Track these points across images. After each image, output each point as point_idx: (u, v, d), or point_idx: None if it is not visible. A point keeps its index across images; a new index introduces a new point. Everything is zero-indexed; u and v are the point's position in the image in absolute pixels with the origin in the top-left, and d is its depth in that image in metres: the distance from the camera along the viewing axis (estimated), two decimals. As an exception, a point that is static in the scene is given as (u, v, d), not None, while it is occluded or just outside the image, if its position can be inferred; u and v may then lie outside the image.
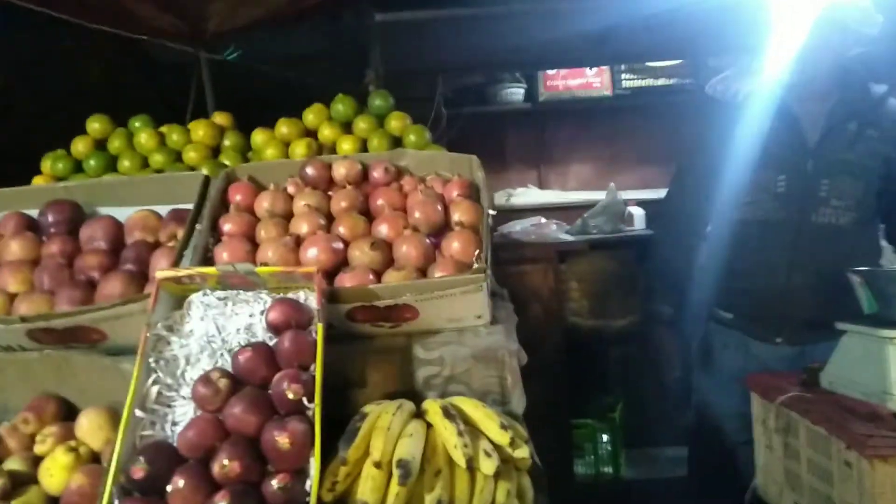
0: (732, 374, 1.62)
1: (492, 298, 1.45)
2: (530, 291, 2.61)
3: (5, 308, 1.29)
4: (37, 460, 1.12)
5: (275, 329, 1.10)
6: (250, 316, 1.13)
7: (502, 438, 1.02)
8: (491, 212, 1.35)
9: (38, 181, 1.67)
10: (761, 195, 1.60)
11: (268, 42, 2.70)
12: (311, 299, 1.14)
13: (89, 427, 1.14)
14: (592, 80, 3.56)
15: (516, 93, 3.59)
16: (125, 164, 1.67)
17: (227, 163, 1.68)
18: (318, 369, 1.03)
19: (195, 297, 1.15)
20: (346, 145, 1.66)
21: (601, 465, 2.66)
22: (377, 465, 0.96)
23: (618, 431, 2.66)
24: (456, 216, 1.35)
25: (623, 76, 3.54)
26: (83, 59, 2.51)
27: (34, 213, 1.47)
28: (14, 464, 1.12)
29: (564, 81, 3.58)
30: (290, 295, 1.16)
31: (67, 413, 1.21)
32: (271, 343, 1.09)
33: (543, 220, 2.86)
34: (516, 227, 2.79)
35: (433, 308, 1.24)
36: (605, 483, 2.62)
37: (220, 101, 2.40)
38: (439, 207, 1.37)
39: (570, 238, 2.78)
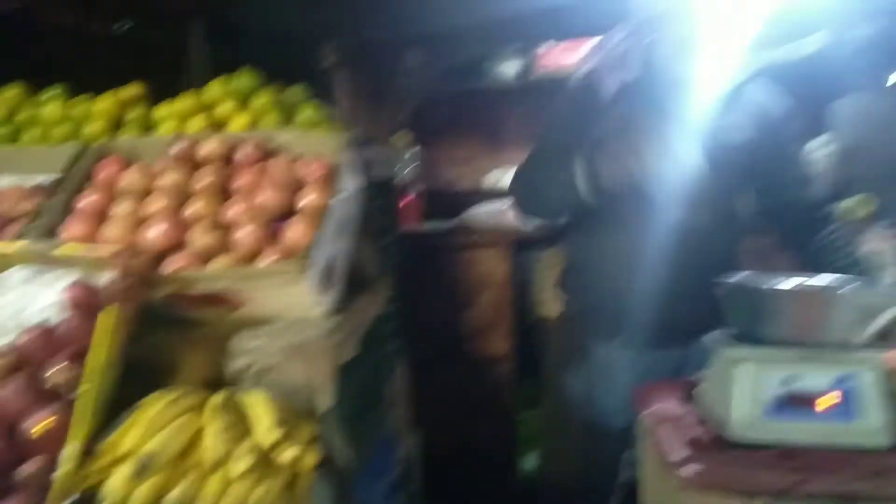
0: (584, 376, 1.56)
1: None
2: (480, 279, 2.53)
3: None
4: None
5: (71, 308, 1.08)
6: (56, 293, 1.12)
7: (266, 437, 0.97)
8: (341, 196, 1.29)
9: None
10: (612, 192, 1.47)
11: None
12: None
13: None
14: (588, 59, 3.38)
15: (509, 70, 3.45)
16: (26, 136, 1.69)
17: (127, 136, 1.67)
18: (94, 354, 1.01)
19: (9, 273, 1.15)
20: (240, 121, 1.61)
21: (550, 460, 2.56)
22: (125, 457, 0.93)
23: (570, 427, 2.55)
24: (303, 200, 1.30)
25: (622, 55, 3.34)
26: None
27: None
28: None
29: (557, 60, 3.42)
30: (102, 274, 1.14)
31: None
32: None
33: (506, 204, 2.75)
34: (479, 211, 2.69)
35: (259, 297, 1.20)
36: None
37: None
38: (290, 190, 1.31)
39: (537, 224, 2.67)
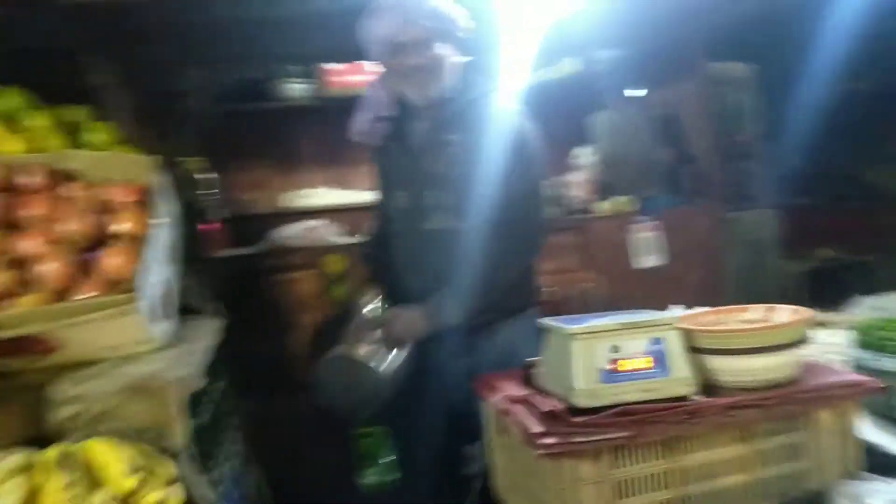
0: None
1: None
2: (299, 300, 2.47)
3: None
4: None
5: None
6: None
7: (124, 484, 0.86)
8: (162, 221, 1.18)
9: None
10: (393, 212, 1.65)
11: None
12: None
13: None
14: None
15: (300, 88, 3.41)
16: None
17: None
18: None
19: None
20: (12, 145, 1.38)
21: (387, 472, 2.57)
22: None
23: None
24: (117, 227, 1.17)
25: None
26: None
27: None
28: None
29: (345, 79, 3.46)
30: None
31: None
32: None
33: (315, 223, 2.73)
34: (285, 232, 2.63)
35: (79, 337, 1.05)
36: (392, 490, 2.54)
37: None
38: (100, 217, 1.17)
39: (347, 240, 2.68)
